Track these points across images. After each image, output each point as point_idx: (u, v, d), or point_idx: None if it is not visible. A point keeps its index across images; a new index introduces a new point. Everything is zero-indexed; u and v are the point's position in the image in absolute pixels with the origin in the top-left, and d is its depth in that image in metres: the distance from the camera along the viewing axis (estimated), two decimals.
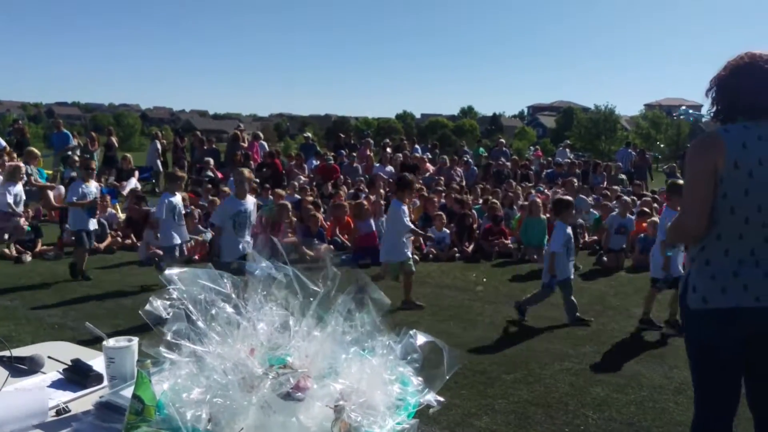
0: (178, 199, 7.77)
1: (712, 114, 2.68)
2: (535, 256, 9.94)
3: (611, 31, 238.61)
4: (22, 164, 10.00)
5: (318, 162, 16.36)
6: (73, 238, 8.35)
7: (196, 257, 9.41)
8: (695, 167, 2.55)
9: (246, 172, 7.09)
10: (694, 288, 2.59)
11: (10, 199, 8.84)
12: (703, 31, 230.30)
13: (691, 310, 2.59)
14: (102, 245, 9.81)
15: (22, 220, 9.25)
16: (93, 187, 8.28)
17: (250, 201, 6.99)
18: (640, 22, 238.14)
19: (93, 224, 8.27)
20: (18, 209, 8.98)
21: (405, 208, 7.29)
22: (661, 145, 52.79)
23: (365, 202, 10.80)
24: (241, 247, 6.58)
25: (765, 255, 2.49)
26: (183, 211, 7.97)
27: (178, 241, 7.61)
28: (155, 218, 8.28)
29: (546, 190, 14.18)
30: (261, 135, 19.48)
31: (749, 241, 2.49)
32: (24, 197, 9.24)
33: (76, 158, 15.04)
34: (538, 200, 10.94)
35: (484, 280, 8.90)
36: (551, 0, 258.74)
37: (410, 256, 7.18)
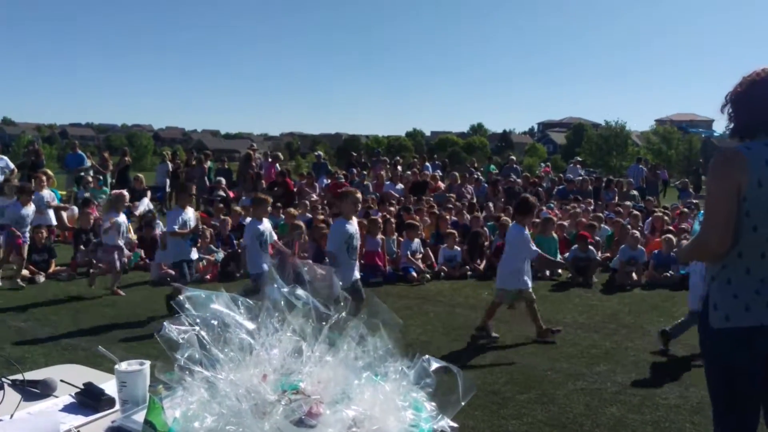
0: (266, 225, 7.46)
1: (729, 130, 2.65)
2: (548, 273, 9.90)
3: (621, 47, 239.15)
4: (125, 192, 9.55)
5: (329, 181, 16.40)
6: (172, 270, 7.93)
7: (208, 277, 9.43)
8: (718, 185, 2.51)
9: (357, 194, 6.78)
10: (715, 306, 2.55)
11: (107, 225, 8.53)
12: (714, 47, 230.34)
13: (713, 329, 2.56)
14: None
15: (126, 252, 9.01)
16: (191, 213, 7.73)
17: (354, 222, 6.64)
18: (651, 38, 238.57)
19: (194, 254, 7.81)
20: (120, 242, 8.61)
21: (528, 233, 6.88)
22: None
23: (379, 219, 10.82)
24: (353, 271, 6.39)
25: None
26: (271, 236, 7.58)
27: (265, 268, 7.13)
28: (243, 245, 7.70)
29: (556, 208, 14.13)
30: (280, 156, 19.51)
31: None
32: (124, 228, 8.92)
33: (90, 179, 15.19)
34: (551, 217, 10.89)
35: (486, 294, 8.87)
36: (559, 17, 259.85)
37: (530, 284, 6.74)
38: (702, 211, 3.98)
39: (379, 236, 10.21)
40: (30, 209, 9.11)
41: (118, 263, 8.54)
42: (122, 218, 8.77)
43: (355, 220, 6.71)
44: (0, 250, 9.23)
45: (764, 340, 2.48)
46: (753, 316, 2.47)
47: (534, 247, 6.88)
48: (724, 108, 2.64)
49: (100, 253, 8.86)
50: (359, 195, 6.92)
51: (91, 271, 8.81)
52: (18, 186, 9.84)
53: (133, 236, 11.34)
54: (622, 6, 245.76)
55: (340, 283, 6.16)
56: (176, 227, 7.46)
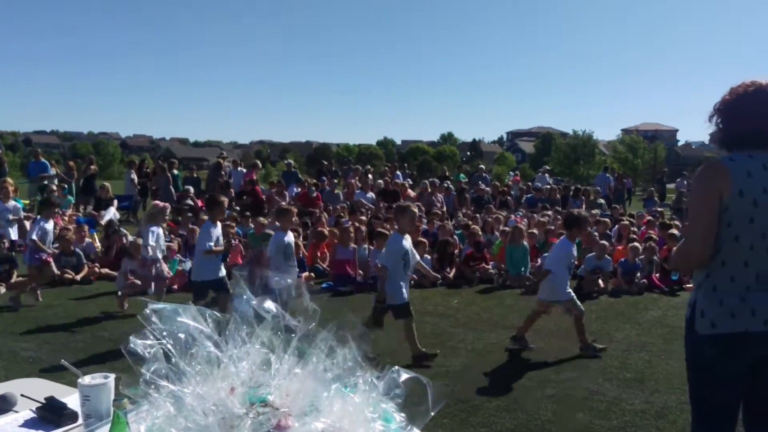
0: (291, 236, 7.22)
1: (716, 140, 2.72)
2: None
3: (588, 58, 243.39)
4: (167, 205, 8.86)
5: (299, 189, 16.35)
6: (212, 290, 6.99)
7: (175, 287, 9.30)
8: (700, 195, 2.60)
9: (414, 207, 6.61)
10: (702, 313, 2.61)
11: (152, 241, 7.96)
12: (678, 59, 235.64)
13: (700, 335, 2.61)
14: (79, 276, 9.66)
15: (165, 267, 8.43)
16: (220, 228, 7.21)
17: (408, 239, 6.49)
18: (618, 49, 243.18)
19: (223, 270, 7.10)
20: (159, 254, 8.07)
21: (573, 247, 6.73)
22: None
23: (351, 228, 10.81)
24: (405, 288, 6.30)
25: None
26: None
27: (289, 281, 6.99)
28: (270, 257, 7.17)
29: (523, 216, 14.27)
30: (259, 164, 19.43)
31: (755, 268, 2.54)
32: (162, 242, 8.37)
33: (54, 187, 14.90)
34: (521, 227, 10.98)
35: (455, 302, 8.99)
36: (528, 28, 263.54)
37: (573, 295, 6.61)
38: None
39: (351, 245, 10.20)
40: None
41: (158, 278, 8.11)
42: (158, 229, 8.14)
43: (409, 237, 6.53)
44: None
45: (749, 346, 2.55)
46: (738, 322, 2.54)
47: (563, 264, 6.54)
48: (712, 118, 2.71)
49: (138, 270, 8.34)
50: (416, 210, 6.77)
51: (120, 292, 8.15)
52: None
53: (99, 246, 11.16)
54: (589, 18, 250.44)
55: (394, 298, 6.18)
56: (212, 244, 6.85)
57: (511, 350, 6.57)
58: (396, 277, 6.22)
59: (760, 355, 2.57)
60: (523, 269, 10.31)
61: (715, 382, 2.63)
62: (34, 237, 8.35)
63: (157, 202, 8.78)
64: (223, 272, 7.02)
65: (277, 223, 7.57)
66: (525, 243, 10.51)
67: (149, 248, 7.92)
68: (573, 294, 6.60)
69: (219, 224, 7.16)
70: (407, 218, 6.42)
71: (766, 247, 2.51)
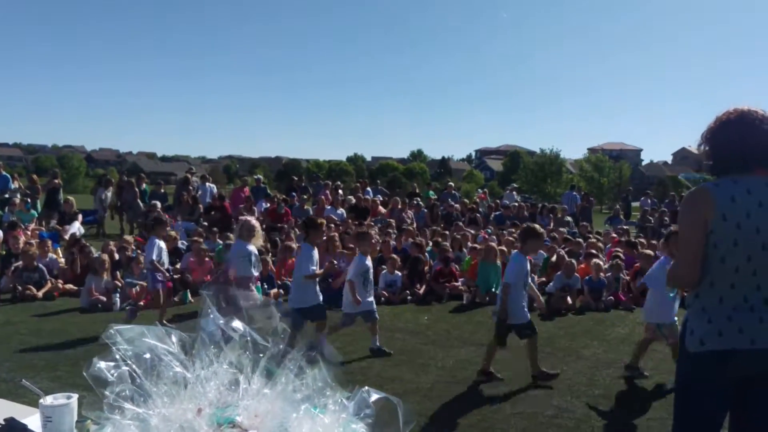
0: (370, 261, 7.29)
1: (706, 168, 2.85)
2: (487, 299, 10.03)
3: (555, 76, 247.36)
4: (257, 223, 7.83)
5: (268, 205, 16.25)
6: (308, 314, 6.80)
7: (142, 303, 9.14)
8: (686, 221, 2.74)
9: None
10: (692, 331, 2.73)
11: (254, 259, 7.31)
12: (642, 79, 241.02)
13: (690, 352, 2.72)
14: (41, 292, 9.45)
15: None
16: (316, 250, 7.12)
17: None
18: (583, 67, 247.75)
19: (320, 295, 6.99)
20: (254, 272, 7.31)
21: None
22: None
23: (335, 235, 10.83)
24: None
25: (758, 301, 2.64)
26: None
27: (366, 308, 7.15)
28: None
29: (494, 233, 14.37)
30: (248, 180, 19.26)
31: (741, 289, 2.64)
32: (256, 258, 7.51)
33: (17, 201, 14.57)
34: (493, 245, 11.00)
35: (426, 319, 9.01)
36: (495, 46, 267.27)
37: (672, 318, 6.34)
38: None
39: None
40: None
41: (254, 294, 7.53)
42: (252, 248, 7.35)
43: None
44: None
45: (737, 363, 2.63)
46: (725, 340, 2.63)
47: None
48: (700, 147, 2.85)
49: (229, 287, 7.99)
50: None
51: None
52: None
53: (62, 261, 10.93)
54: (555, 36, 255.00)
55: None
56: (314, 268, 6.81)
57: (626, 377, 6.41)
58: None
59: (748, 374, 2.65)
60: (494, 287, 10.33)
61: (702, 398, 2.72)
62: (154, 258, 7.64)
63: (248, 218, 7.94)
64: (321, 297, 6.96)
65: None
66: (498, 261, 10.55)
67: (251, 263, 7.26)
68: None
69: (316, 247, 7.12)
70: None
71: (752, 269, 2.61)
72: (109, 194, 16.93)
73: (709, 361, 2.67)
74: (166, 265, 7.81)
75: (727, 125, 2.74)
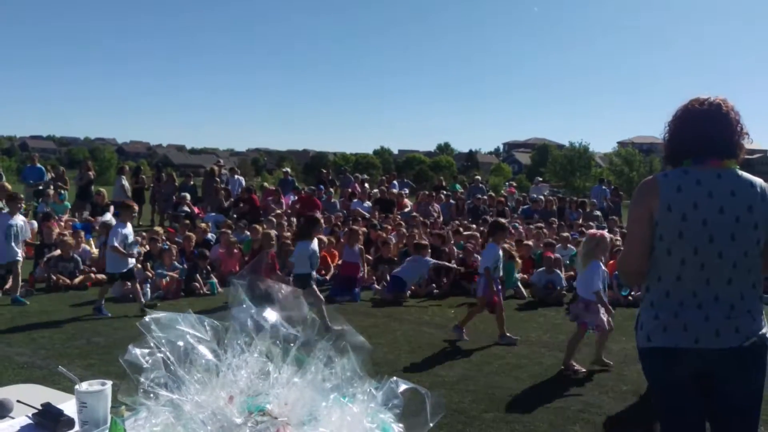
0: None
1: (665, 160, 2.80)
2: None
3: (585, 69, 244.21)
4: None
5: (296, 197, 16.35)
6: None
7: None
8: (632, 212, 2.68)
9: None
10: (641, 326, 2.70)
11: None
12: (674, 72, 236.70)
13: (639, 348, 2.74)
14: (75, 281, 9.63)
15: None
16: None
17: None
18: (614, 61, 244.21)
19: None
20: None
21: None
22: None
23: (357, 228, 10.87)
24: None
25: (707, 297, 2.53)
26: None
27: None
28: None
29: (520, 227, 14.27)
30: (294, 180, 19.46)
31: (689, 283, 2.55)
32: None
33: (50, 192, 14.87)
34: (509, 241, 10.83)
35: (452, 312, 8.97)
36: (526, 39, 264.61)
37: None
38: None
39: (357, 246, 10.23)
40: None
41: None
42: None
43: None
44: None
45: (682, 361, 2.57)
46: (669, 337, 2.58)
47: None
48: (663, 136, 2.77)
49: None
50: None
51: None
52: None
53: (95, 252, 11.13)
54: (586, 30, 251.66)
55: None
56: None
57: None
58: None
59: (698, 371, 2.58)
60: (514, 281, 10.22)
61: (664, 394, 2.69)
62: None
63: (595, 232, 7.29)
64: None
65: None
66: (516, 258, 10.41)
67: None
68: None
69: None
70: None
71: (699, 262, 2.51)
72: (125, 182, 17.14)
73: (657, 357, 2.64)
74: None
75: (683, 115, 2.66)
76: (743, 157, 2.66)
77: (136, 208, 10.19)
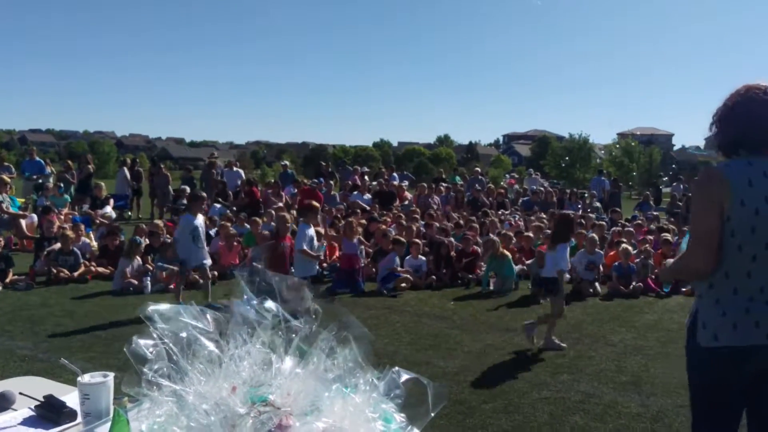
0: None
1: (714, 147, 2.68)
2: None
3: (584, 61, 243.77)
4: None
5: (296, 190, 16.34)
6: None
7: (172, 286, 9.30)
8: (701, 205, 2.53)
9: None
10: (704, 325, 2.55)
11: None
12: (674, 62, 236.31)
13: (702, 347, 2.55)
14: (75, 274, 9.65)
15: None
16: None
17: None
18: (614, 52, 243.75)
19: None
20: None
21: None
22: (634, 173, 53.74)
23: (353, 220, 10.85)
24: None
25: None
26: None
27: None
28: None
29: (519, 218, 14.28)
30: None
31: (758, 279, 2.47)
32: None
33: (50, 186, 14.86)
34: (494, 237, 10.77)
35: (452, 304, 8.99)
36: (526, 30, 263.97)
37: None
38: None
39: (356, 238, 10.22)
40: None
41: None
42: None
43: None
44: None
45: (753, 359, 2.49)
46: (740, 335, 2.47)
47: None
48: (711, 126, 2.65)
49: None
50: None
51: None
52: None
53: (95, 245, 11.14)
54: (586, 21, 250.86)
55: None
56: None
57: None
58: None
59: (764, 368, 2.51)
60: (511, 276, 10.19)
61: (718, 395, 2.58)
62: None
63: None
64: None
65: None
66: (506, 252, 10.39)
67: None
68: None
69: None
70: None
71: None
72: (127, 174, 17.17)
73: (724, 356, 2.49)
74: None
75: (738, 104, 2.55)
76: None
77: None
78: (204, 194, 9.24)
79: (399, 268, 10.01)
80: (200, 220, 8.18)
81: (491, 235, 11.04)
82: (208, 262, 8.25)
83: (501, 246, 10.21)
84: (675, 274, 2.75)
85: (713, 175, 2.51)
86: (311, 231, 7.99)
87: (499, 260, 10.09)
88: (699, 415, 2.69)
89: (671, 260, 2.84)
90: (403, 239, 10.56)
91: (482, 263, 10.59)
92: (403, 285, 9.78)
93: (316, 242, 8.02)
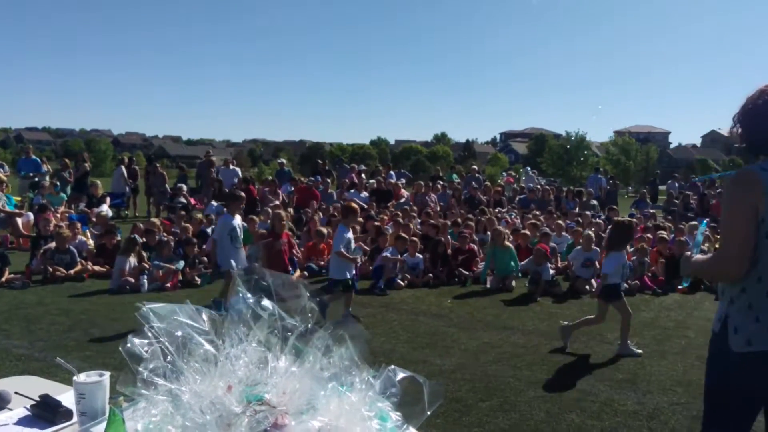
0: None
1: (741, 150, 2.64)
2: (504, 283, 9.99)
3: (582, 59, 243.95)
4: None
5: (292, 188, 16.34)
6: None
7: (169, 285, 9.29)
8: (735, 206, 2.47)
9: None
10: (736, 329, 2.50)
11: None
12: (671, 61, 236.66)
13: (734, 352, 2.50)
14: (71, 272, 9.62)
15: None
16: None
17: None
18: (610, 51, 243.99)
19: None
20: None
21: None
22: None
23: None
24: None
25: None
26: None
27: None
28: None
29: (516, 216, 14.30)
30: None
31: None
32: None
33: (46, 184, 14.83)
34: (501, 228, 10.88)
35: (449, 302, 9.00)
36: (523, 29, 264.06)
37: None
38: (704, 222, 3.88)
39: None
40: None
41: None
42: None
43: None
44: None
45: None
46: None
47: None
48: (733, 129, 2.61)
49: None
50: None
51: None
52: None
53: (91, 243, 11.12)
54: (583, 20, 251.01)
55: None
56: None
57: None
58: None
59: None
60: (513, 271, 10.24)
61: (742, 397, 2.55)
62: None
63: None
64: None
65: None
66: (509, 244, 10.44)
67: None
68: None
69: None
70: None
71: None
72: (124, 172, 17.16)
73: (756, 362, 2.45)
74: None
75: (757, 105, 2.51)
76: None
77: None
78: (243, 194, 9.13)
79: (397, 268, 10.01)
80: (238, 220, 8.06)
81: (498, 227, 11.10)
82: (244, 263, 7.97)
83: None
84: (703, 274, 2.70)
85: (746, 179, 2.47)
86: (349, 234, 7.77)
87: (501, 250, 10.13)
88: (715, 417, 2.66)
89: (700, 256, 2.77)
90: (405, 236, 10.57)
91: (483, 253, 10.66)
92: (400, 282, 9.78)
93: (353, 244, 7.83)
